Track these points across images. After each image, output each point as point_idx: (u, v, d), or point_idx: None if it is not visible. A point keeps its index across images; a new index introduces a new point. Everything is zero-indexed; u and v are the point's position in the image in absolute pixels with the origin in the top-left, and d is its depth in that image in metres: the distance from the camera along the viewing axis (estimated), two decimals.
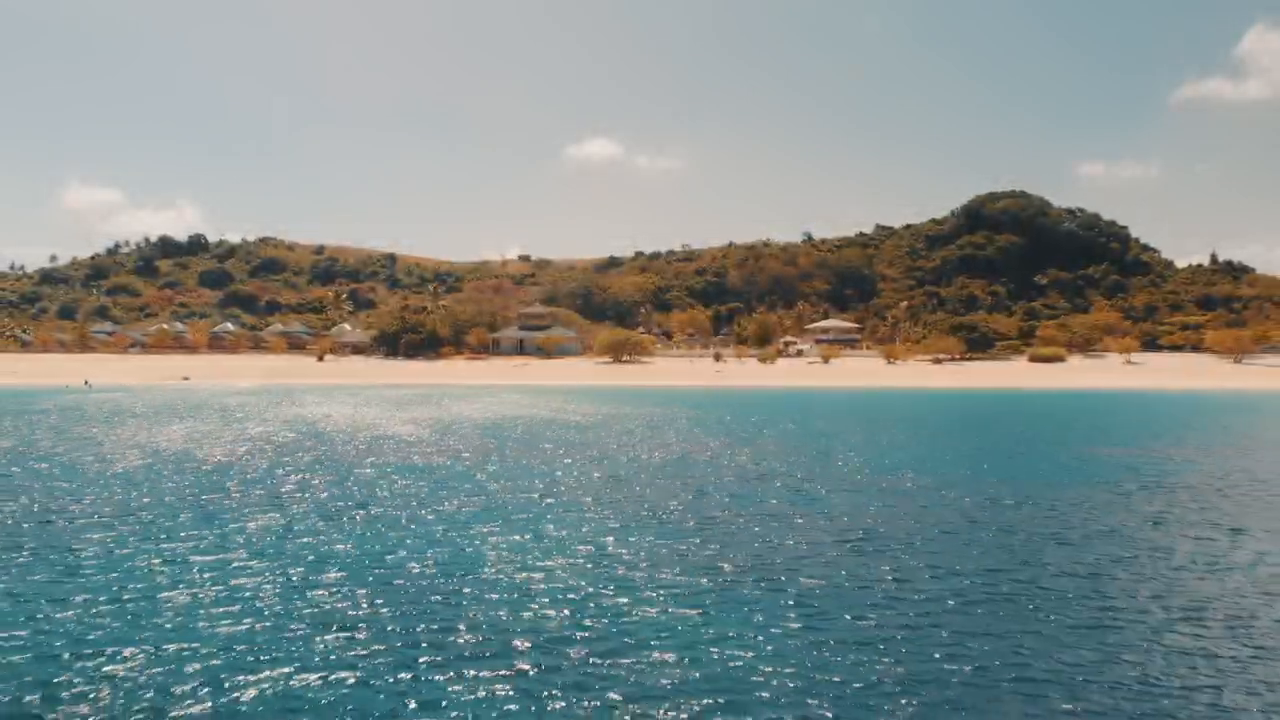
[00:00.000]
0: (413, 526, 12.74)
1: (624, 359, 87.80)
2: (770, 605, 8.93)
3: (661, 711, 6.49)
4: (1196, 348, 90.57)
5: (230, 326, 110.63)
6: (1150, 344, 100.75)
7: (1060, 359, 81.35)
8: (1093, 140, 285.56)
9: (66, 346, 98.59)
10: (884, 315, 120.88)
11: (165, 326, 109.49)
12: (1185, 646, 7.91)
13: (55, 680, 7.08)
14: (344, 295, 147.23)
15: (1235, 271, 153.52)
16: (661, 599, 9.10)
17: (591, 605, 8.89)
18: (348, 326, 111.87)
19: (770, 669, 7.28)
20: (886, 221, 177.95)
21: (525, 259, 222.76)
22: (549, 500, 14.94)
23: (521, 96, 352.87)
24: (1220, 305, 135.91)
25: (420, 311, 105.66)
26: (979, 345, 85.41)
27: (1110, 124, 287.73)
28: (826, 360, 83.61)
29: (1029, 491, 16.43)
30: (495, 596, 9.22)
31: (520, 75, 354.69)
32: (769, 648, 7.76)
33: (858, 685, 6.97)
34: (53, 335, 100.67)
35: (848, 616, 8.66)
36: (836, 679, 7.08)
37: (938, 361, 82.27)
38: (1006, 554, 11.40)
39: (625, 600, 9.06)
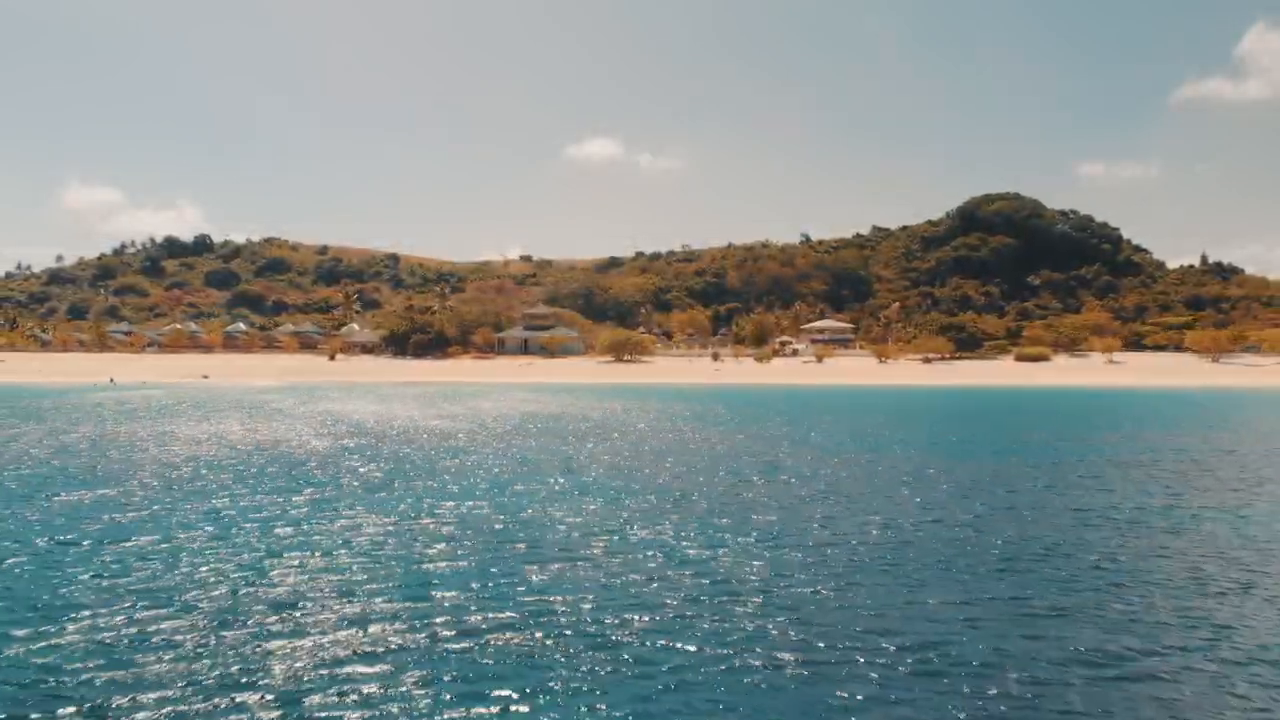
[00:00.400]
0: (516, 498, 16.57)
1: (625, 358, 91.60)
2: (731, 527, 12.73)
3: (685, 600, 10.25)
4: (1179, 347, 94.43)
5: (243, 326, 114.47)
6: (1135, 344, 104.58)
7: (1045, 358, 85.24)
8: (1092, 140, 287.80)
9: (85, 346, 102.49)
10: (878, 316, 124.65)
11: (179, 326, 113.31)
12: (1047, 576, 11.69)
13: (246, 635, 8.09)
14: (353, 295, 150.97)
15: (1224, 272, 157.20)
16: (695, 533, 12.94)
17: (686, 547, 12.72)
18: (356, 326, 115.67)
19: (738, 577, 11.04)
20: (886, 221, 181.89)
21: (527, 259, 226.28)
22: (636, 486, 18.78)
23: (521, 96, 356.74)
24: (1209, 306, 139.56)
25: (427, 312, 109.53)
26: (967, 345, 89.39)
27: (1110, 124, 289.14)
28: (820, 360, 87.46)
29: (955, 463, 20.26)
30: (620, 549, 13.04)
31: (520, 74, 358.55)
32: (723, 554, 11.54)
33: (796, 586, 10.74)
34: (71, 335, 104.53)
35: (794, 542, 12.45)
36: (791, 586, 10.85)
37: (927, 361, 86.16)
38: (903, 507, 15.21)
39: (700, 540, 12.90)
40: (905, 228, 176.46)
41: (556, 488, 16.51)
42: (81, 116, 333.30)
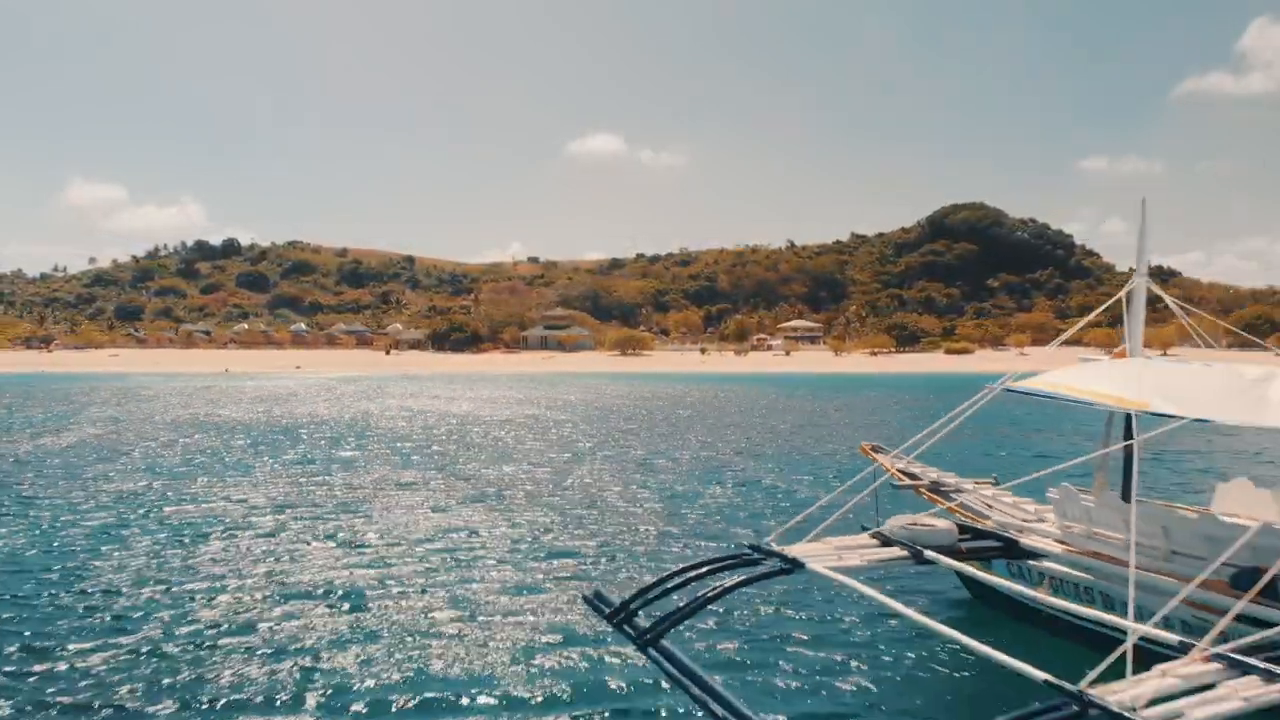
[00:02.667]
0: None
1: (628, 352, 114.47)
2: (673, 434, 35.40)
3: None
4: (1086, 343, 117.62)
5: (304, 326, 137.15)
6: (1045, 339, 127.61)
7: (969, 351, 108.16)
8: (1095, 136, 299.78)
9: (174, 343, 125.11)
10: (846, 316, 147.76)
11: (248, 325, 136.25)
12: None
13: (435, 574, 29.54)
14: (389, 297, 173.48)
15: (1164, 275, 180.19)
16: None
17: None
18: (399, 326, 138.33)
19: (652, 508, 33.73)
20: (883, 218, 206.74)
21: (534, 260, 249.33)
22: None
23: (523, 93, 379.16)
24: (1146, 306, 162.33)
25: (462, 313, 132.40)
26: (907, 341, 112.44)
27: (1112, 119, 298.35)
28: (788, 353, 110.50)
29: (807, 403, 43.01)
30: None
31: (521, 72, 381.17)
32: (675, 479, 34.21)
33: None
34: (162, 334, 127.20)
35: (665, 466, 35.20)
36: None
37: (874, 354, 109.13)
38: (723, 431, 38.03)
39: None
40: (880, 234, 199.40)
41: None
42: (83, 113, 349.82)
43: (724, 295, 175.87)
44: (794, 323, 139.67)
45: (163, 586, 10.72)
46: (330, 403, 45.75)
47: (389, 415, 37.96)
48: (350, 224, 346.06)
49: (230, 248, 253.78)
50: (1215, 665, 5.00)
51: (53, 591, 10.56)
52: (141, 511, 15.66)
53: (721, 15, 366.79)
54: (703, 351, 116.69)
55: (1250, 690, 4.72)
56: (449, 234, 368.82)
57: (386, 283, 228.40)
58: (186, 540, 13.28)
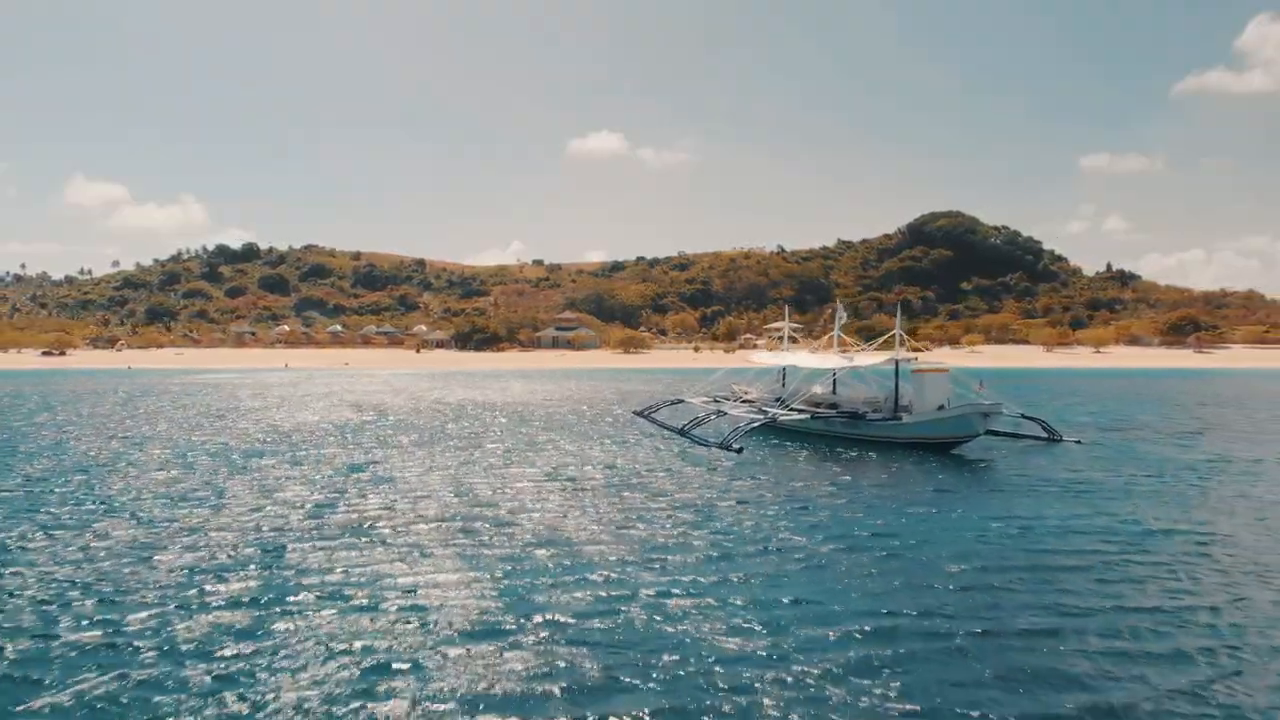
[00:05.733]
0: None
1: (630, 350, 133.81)
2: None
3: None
4: (1028, 342, 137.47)
5: (340, 328, 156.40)
6: (1012, 340, 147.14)
7: (925, 349, 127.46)
8: (1095, 133, 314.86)
9: (224, 342, 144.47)
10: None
11: (287, 327, 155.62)
12: None
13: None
14: (418, 299, 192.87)
15: (1124, 279, 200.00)
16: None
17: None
18: (424, 327, 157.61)
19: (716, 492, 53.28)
20: (883, 217, 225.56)
21: (539, 263, 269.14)
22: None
23: (525, 91, 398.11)
24: (1104, 307, 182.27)
25: (479, 314, 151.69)
26: (873, 339, 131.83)
27: (1112, 117, 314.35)
28: (770, 350, 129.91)
29: None
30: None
31: (524, 71, 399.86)
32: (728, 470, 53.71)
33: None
34: (213, 334, 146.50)
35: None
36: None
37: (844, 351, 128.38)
38: None
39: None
40: (865, 240, 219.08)
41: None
42: (85, 112, 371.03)
43: (718, 298, 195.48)
44: (778, 324, 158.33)
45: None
46: (445, 391, 65.06)
47: (520, 398, 57.20)
48: (352, 223, 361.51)
49: (250, 251, 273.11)
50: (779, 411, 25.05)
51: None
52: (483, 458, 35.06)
53: (724, 15, 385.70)
54: (695, 349, 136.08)
55: (739, 411, 24.86)
56: (450, 233, 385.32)
57: (400, 285, 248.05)
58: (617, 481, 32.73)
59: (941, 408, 26.21)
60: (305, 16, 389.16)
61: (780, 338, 41.25)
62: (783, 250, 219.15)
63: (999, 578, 12.46)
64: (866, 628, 10.34)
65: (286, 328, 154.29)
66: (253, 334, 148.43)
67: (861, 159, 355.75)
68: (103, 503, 18.08)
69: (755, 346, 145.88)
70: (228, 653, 9.62)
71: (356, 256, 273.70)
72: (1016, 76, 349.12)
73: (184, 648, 9.82)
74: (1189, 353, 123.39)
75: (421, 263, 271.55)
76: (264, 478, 20.96)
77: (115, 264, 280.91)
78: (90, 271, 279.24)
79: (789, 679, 8.97)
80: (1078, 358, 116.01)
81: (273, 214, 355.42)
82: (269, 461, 23.75)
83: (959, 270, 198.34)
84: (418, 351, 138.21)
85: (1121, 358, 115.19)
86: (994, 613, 10.90)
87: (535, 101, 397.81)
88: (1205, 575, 12.69)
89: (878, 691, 8.61)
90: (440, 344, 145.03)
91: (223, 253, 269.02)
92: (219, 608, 11.12)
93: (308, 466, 22.81)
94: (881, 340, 36.75)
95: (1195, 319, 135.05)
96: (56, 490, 19.53)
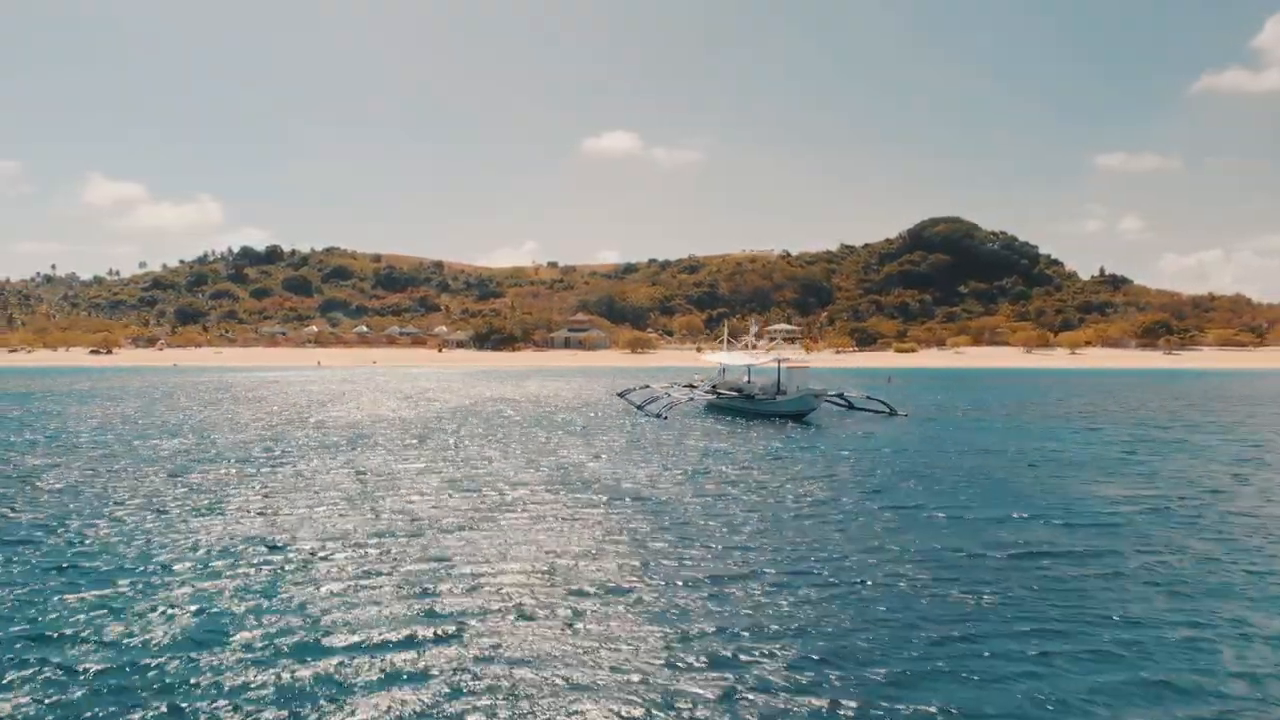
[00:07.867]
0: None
1: (638, 351, 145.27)
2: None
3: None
4: (1009, 344, 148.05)
5: (366, 328, 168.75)
6: (999, 341, 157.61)
7: (914, 350, 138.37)
8: (1110, 132, 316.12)
9: (257, 341, 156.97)
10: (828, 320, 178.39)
11: (316, 327, 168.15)
12: None
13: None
14: (437, 300, 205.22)
15: (1116, 282, 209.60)
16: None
17: None
18: (444, 328, 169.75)
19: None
20: (885, 218, 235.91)
21: (553, 264, 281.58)
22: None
23: (536, 91, 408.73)
24: (1095, 311, 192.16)
25: (496, 315, 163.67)
26: (865, 341, 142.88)
27: (1129, 116, 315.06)
28: (767, 351, 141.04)
29: None
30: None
31: (537, 70, 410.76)
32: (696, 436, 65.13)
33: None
34: (248, 334, 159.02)
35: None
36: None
37: (839, 352, 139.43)
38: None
39: None
40: (866, 245, 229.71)
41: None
42: (103, 111, 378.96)
43: (724, 300, 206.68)
44: (779, 326, 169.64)
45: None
46: (487, 388, 76.59)
47: (552, 394, 68.70)
48: (366, 222, 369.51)
49: (274, 253, 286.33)
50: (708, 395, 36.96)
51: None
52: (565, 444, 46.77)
53: (726, 15, 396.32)
54: (698, 350, 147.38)
55: (678, 394, 36.87)
56: (464, 233, 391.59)
57: (420, 287, 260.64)
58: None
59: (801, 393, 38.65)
60: (313, 19, 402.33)
61: (745, 344, 52.16)
62: (788, 254, 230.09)
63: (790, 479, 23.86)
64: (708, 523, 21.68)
65: (315, 328, 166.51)
66: (284, 334, 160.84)
67: (868, 159, 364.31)
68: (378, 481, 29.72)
69: (755, 347, 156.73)
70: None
71: (377, 259, 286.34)
72: (1029, 76, 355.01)
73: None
74: (1159, 354, 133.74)
75: (440, 265, 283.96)
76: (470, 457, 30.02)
77: (142, 265, 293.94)
78: (118, 272, 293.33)
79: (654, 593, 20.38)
80: (1053, 359, 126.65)
81: (287, 213, 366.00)
82: (469, 442, 32.75)
83: (957, 274, 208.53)
84: (439, 351, 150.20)
85: (1093, 359, 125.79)
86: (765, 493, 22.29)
87: (544, 100, 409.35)
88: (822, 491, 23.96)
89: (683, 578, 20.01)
90: (460, 344, 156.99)
91: (247, 254, 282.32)
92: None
93: (496, 448, 28.89)
94: (797, 344, 49.62)
95: (1168, 322, 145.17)
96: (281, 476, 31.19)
